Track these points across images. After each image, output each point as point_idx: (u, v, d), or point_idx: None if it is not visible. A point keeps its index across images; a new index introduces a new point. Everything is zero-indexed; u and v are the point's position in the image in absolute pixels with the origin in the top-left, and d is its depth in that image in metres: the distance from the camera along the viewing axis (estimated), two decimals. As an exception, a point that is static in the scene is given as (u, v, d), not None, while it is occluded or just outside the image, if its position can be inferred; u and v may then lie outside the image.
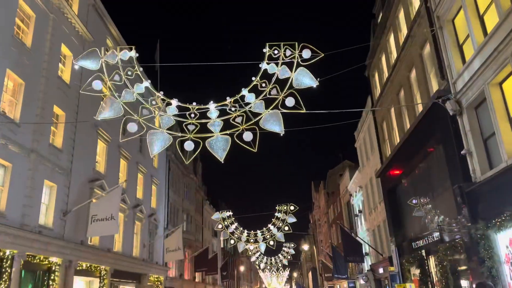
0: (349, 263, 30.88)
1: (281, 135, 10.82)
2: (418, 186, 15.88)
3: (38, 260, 14.31)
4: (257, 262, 59.70)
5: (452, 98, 11.06)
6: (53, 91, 16.31)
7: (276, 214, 32.01)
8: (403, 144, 15.64)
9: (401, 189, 17.87)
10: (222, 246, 57.92)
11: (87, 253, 17.59)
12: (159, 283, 28.12)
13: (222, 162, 10.55)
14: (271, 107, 10.61)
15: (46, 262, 14.85)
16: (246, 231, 31.88)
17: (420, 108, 14.22)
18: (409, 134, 14.69)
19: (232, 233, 32.12)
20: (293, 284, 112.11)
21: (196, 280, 40.23)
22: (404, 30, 15.51)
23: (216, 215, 32.43)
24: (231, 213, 32.21)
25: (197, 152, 10.56)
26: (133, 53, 10.42)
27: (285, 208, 32.05)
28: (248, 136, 10.61)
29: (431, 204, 14.40)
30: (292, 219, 31.64)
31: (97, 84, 10.05)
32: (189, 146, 10.51)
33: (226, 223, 32.02)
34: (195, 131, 10.72)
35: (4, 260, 12.63)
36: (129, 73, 10.52)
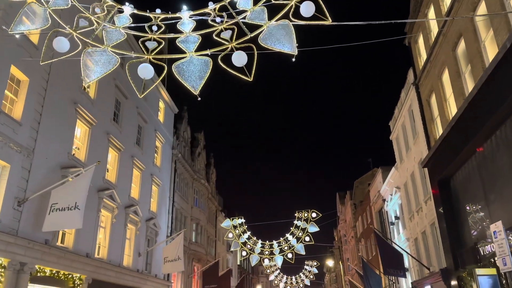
0: (385, 278, 26.08)
1: (293, 59, 7.04)
2: (487, 168, 11.52)
3: (-32, 260, 10.65)
4: (276, 282, 54.93)
5: None
6: (11, 48, 13.00)
7: (295, 222, 27.66)
8: (466, 111, 11.40)
9: (459, 177, 13.49)
10: (238, 263, 53.42)
11: (52, 256, 13.84)
12: (158, 300, 24.07)
13: (198, 97, 6.74)
14: (278, 17, 6.82)
15: (-16, 263, 11.18)
16: (260, 241, 27.67)
17: (490, 49, 10.03)
18: (477, 91, 10.47)
19: (245, 243, 27.94)
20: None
21: (207, 298, 35.86)
22: (464, -43, 11.48)
23: (226, 223, 28.39)
24: (243, 220, 28.18)
25: (160, 79, 6.79)
26: None
27: (305, 215, 27.76)
28: (240, 58, 6.82)
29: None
30: (314, 228, 27.19)
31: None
32: (146, 71, 6.75)
33: (237, 231, 27.92)
34: (157, 50, 6.96)
35: None
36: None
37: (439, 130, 14.97)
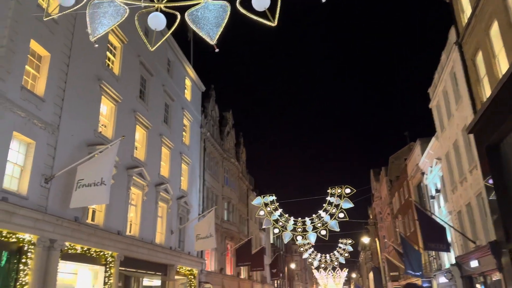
0: (425, 254, 25.01)
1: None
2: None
3: (-3, 236, 10.56)
4: (309, 260, 54.54)
5: None
6: (30, 22, 12.65)
7: (328, 198, 26.81)
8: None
9: (510, 141, 12.19)
10: (271, 241, 53.39)
11: (82, 233, 13.75)
12: (192, 276, 24.12)
13: (216, 47, 5.99)
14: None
15: (14, 239, 11.10)
16: (292, 218, 27.10)
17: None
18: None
19: (277, 221, 27.45)
20: (352, 286, 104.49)
21: (241, 276, 35.99)
22: None
23: (257, 200, 27.93)
24: (274, 197, 27.62)
25: (172, 29, 6.06)
26: None
27: (339, 191, 26.83)
28: (261, 0, 5.98)
29: None
30: (348, 204, 26.27)
31: None
32: (157, 20, 6.05)
33: (269, 209, 27.43)
34: (169, -3, 6.25)
35: None
36: None
37: (486, 91, 13.59)
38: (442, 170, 20.34)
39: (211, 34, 5.89)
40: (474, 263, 15.72)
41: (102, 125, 16.67)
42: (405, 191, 30.81)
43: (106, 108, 17.09)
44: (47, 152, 12.89)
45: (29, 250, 11.41)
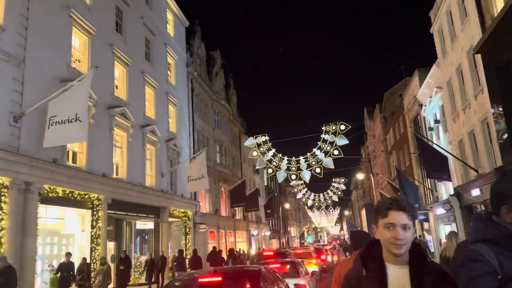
0: (420, 187, 24.86)
1: None
2: None
3: (-38, 179, 9.52)
4: (304, 199, 55.23)
5: None
6: None
7: (323, 136, 26.09)
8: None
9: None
10: (265, 184, 53.58)
11: (62, 175, 12.78)
12: (186, 218, 23.81)
13: None
14: None
15: (-17, 183, 10.09)
16: (286, 158, 26.51)
17: None
18: None
19: (270, 161, 26.84)
20: (344, 223, 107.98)
21: (236, 217, 36.14)
22: None
23: (250, 141, 27.10)
24: (267, 137, 26.82)
25: None
26: None
27: (333, 128, 26.06)
28: None
29: None
30: (343, 141, 25.60)
31: None
32: None
33: (262, 149, 26.70)
34: None
35: None
36: None
37: (497, 5, 12.25)
38: (442, 99, 19.37)
39: None
40: (475, 192, 15.24)
41: (76, 60, 15.17)
42: (400, 126, 30.12)
43: (78, 41, 15.47)
44: (14, 88, 11.55)
45: (2, 193, 10.46)
